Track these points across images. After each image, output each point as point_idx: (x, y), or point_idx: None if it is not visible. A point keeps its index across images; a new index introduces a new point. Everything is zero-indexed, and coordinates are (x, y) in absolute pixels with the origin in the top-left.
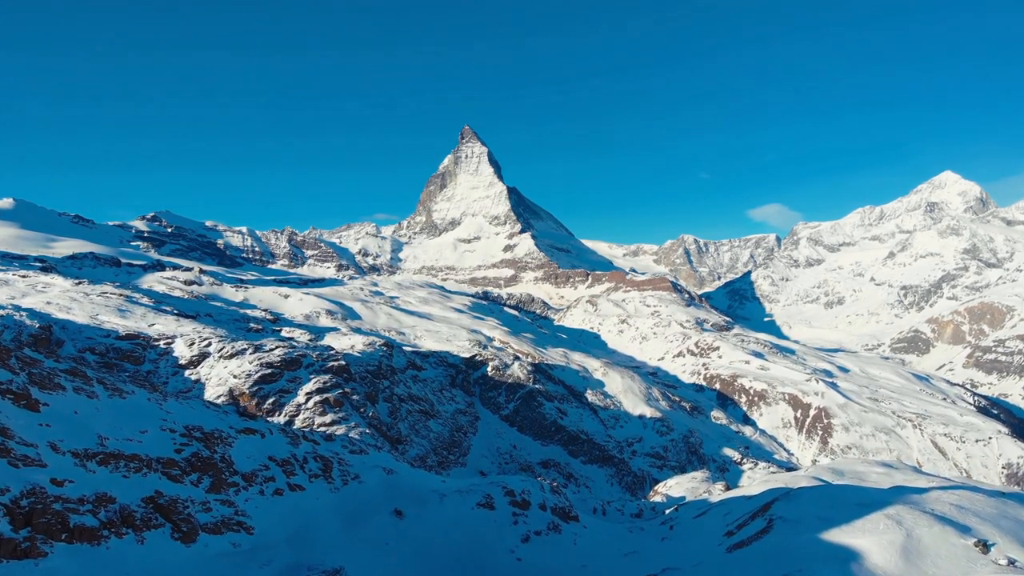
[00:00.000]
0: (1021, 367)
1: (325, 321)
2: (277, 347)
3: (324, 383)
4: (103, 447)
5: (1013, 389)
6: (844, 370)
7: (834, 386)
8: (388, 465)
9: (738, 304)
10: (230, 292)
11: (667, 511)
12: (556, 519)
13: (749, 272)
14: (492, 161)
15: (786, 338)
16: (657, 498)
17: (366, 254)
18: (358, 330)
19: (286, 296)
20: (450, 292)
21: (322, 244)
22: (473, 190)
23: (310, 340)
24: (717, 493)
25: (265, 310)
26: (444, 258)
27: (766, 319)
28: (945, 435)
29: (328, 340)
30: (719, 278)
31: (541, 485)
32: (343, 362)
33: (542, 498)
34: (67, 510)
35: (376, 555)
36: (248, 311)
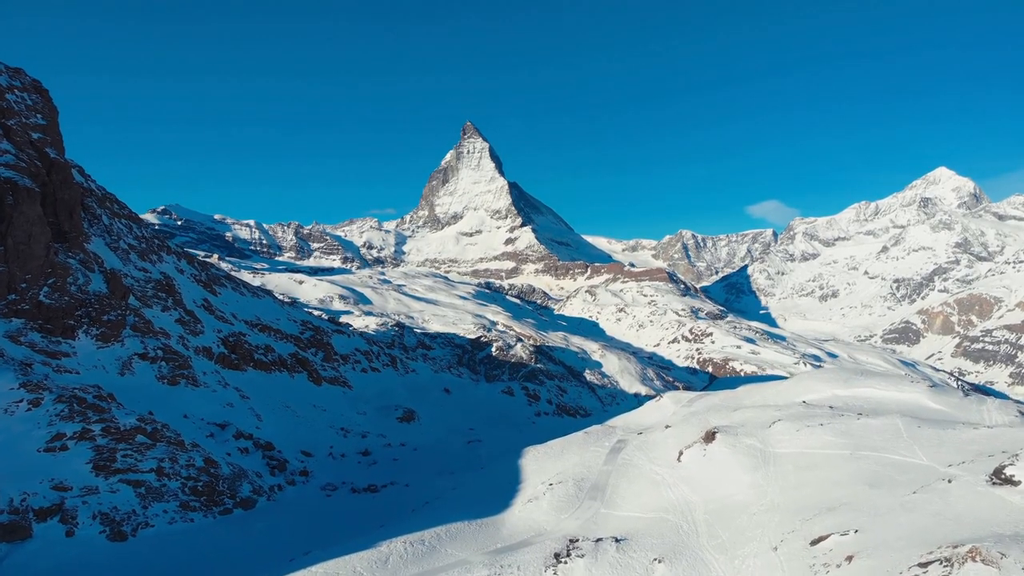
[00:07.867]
0: (1007, 355)
1: (338, 305)
2: None
3: None
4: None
5: (999, 376)
6: (832, 356)
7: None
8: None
9: (735, 298)
10: (247, 278)
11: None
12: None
13: (745, 267)
14: (493, 156)
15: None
16: None
17: (370, 247)
18: (369, 313)
19: (300, 282)
20: (454, 282)
21: (327, 237)
22: (475, 185)
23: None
24: None
25: (282, 294)
26: (446, 251)
27: (761, 311)
28: None
29: (344, 321)
30: (716, 273)
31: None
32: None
33: (549, 395)
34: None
35: (435, 409)
36: None
